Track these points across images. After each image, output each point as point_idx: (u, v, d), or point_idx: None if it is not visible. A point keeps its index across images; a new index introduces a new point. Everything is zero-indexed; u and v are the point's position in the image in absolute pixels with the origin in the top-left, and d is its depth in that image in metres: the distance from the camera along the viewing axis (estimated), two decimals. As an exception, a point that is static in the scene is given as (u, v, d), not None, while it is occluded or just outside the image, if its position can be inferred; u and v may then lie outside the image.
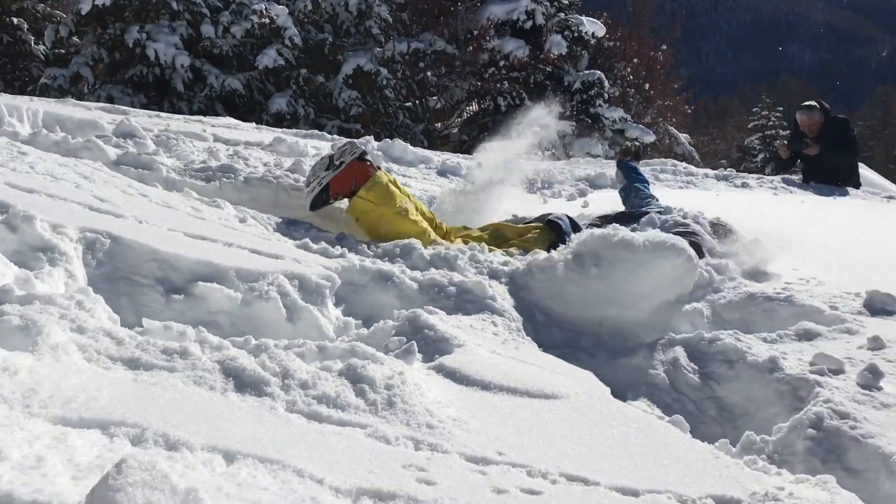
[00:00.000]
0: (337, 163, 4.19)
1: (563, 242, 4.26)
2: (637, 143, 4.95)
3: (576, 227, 4.41)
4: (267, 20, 16.04)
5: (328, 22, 17.42)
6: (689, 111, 26.28)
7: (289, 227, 3.61)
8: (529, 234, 4.35)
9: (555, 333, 3.09)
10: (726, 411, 2.66)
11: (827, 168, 7.72)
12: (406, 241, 3.59)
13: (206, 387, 1.66)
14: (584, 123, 18.23)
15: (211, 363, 1.74)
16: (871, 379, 2.55)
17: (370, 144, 6.20)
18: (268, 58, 15.92)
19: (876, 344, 2.84)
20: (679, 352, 2.82)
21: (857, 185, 7.91)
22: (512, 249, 4.18)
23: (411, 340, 2.32)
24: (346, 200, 4.11)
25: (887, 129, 41.17)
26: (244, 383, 1.72)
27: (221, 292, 2.45)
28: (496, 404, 2.07)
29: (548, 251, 4.27)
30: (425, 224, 4.09)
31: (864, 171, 9.73)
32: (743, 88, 57.74)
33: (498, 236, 4.43)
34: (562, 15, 18.91)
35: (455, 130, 19.72)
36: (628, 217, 4.57)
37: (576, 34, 18.65)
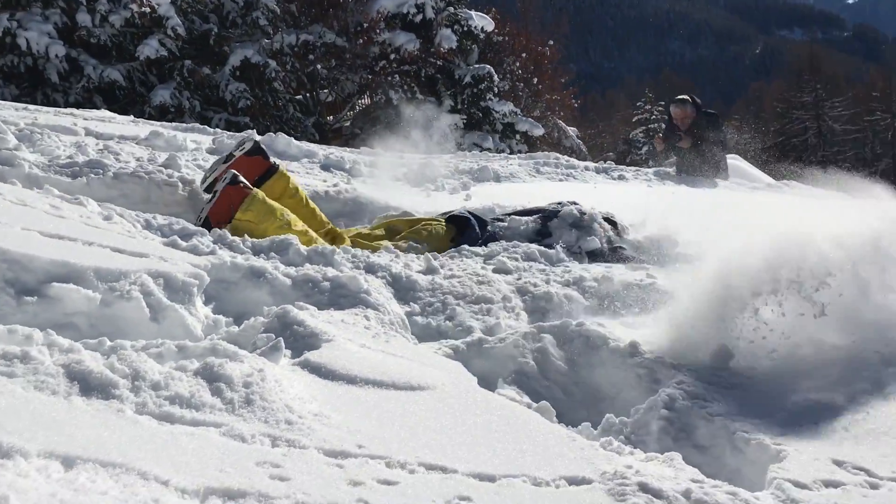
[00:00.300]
0: (236, 153, 4.25)
1: (469, 237, 4.30)
2: None
3: (482, 223, 4.47)
4: (147, 9, 15.45)
5: (213, 12, 16.94)
6: (577, 105, 27.03)
7: (159, 225, 3.49)
8: (420, 226, 4.38)
9: (429, 326, 3.13)
10: (591, 396, 2.76)
11: (697, 160, 8.10)
12: (282, 237, 3.55)
13: (47, 391, 1.60)
14: (474, 117, 18.47)
15: (55, 367, 1.67)
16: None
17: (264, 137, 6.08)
18: (149, 48, 15.35)
19: (729, 326, 3.01)
20: (548, 339, 2.89)
21: (726, 177, 8.35)
22: (401, 243, 4.20)
23: (279, 337, 2.30)
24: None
25: (761, 123, 43.41)
26: (90, 387, 1.66)
27: (78, 293, 2.36)
28: (360, 398, 2.08)
29: (449, 240, 4.32)
30: (312, 232, 4.07)
31: (740, 162, 10.28)
32: (628, 83, 59.77)
33: (391, 230, 4.45)
34: (451, 9, 19.09)
35: (347, 124, 19.61)
36: (542, 216, 4.59)
37: (465, 28, 18.88)
